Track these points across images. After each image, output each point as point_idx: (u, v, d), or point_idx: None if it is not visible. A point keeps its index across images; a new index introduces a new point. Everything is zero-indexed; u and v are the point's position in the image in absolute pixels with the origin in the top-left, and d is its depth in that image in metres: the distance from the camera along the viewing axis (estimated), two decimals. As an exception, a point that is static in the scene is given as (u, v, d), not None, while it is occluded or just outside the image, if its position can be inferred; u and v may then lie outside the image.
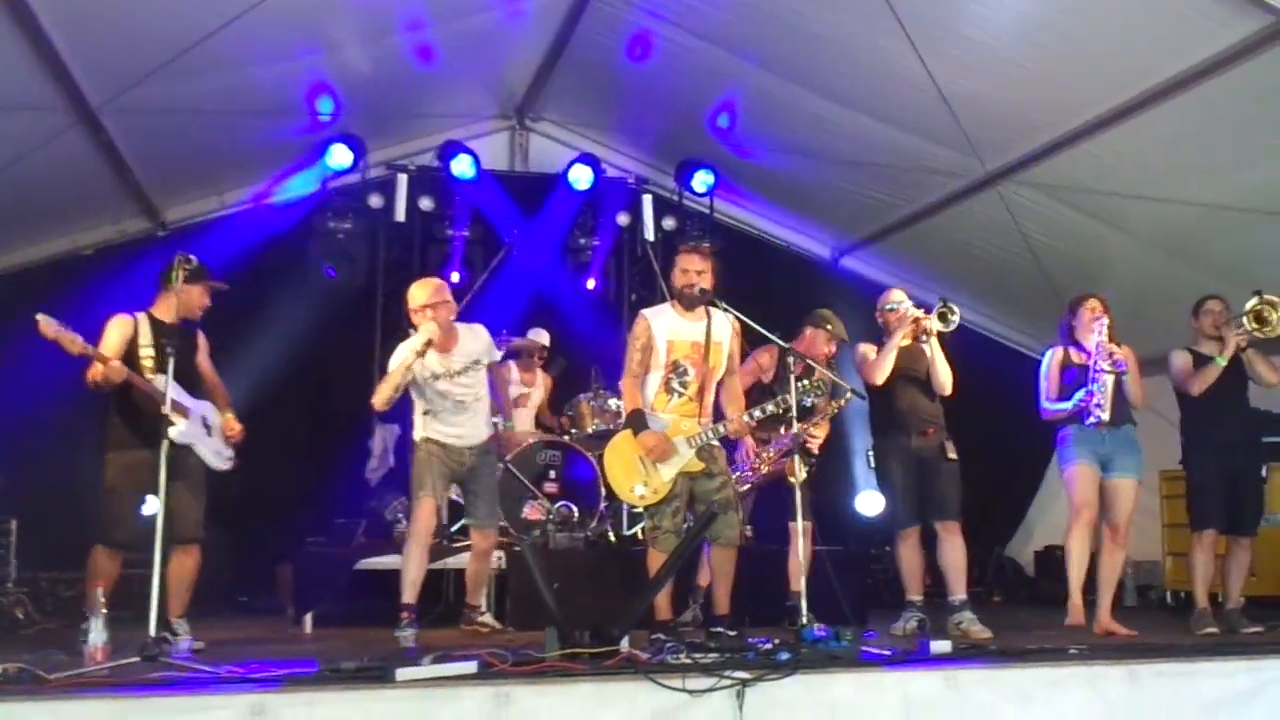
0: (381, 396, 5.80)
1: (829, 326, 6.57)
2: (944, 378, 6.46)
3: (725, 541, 5.58)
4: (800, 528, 5.53)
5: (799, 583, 5.96)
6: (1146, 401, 6.50)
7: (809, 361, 5.88)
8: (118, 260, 8.42)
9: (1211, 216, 7.14)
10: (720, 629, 5.46)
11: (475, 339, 6.06)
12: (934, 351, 6.46)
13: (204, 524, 5.62)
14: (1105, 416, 6.17)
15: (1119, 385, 6.25)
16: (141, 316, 5.61)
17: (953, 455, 6.40)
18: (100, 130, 7.05)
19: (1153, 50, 6.22)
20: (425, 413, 5.94)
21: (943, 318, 6.40)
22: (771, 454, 6.42)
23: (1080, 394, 6.23)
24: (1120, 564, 6.46)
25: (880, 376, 6.38)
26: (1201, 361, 6.35)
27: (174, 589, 5.50)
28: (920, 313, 6.48)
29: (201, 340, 5.88)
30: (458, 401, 5.92)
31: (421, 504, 5.80)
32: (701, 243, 5.84)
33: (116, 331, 5.51)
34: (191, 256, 5.72)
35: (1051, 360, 6.52)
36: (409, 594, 5.73)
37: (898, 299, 6.60)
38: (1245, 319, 6.15)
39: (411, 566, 5.77)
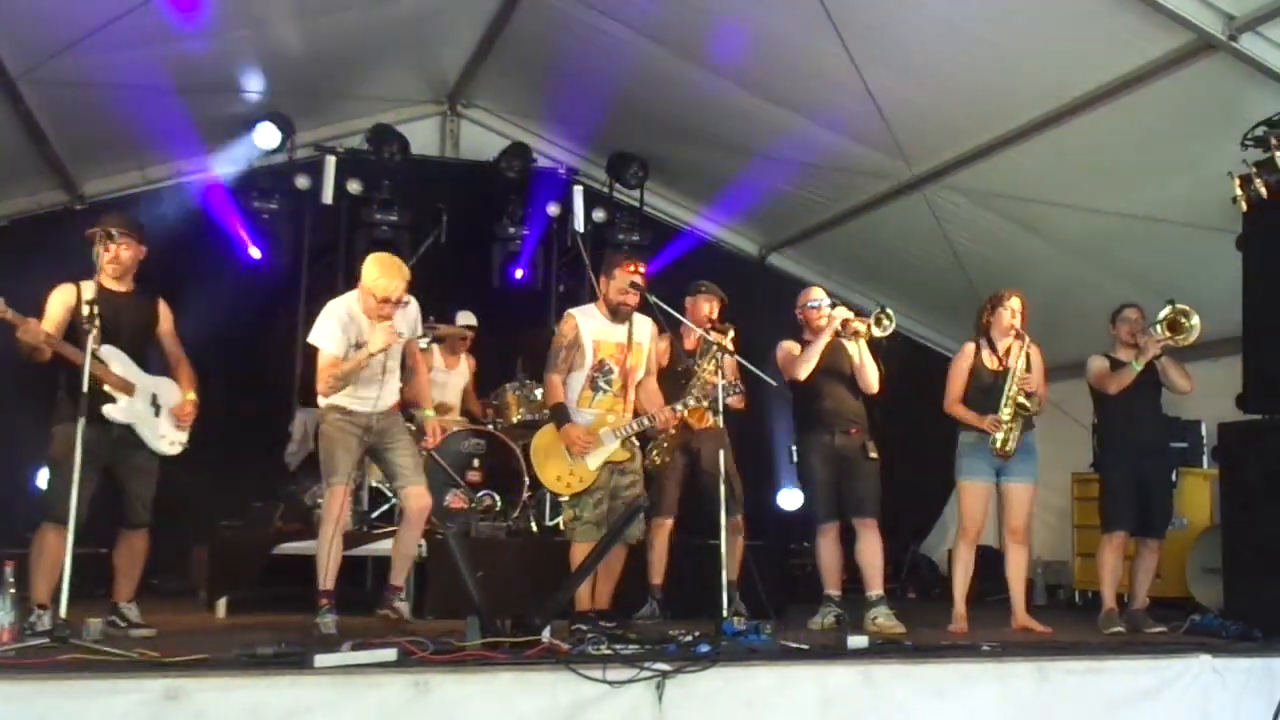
0: (328, 387, 5.52)
1: (703, 288, 6.66)
2: (871, 377, 6.56)
3: (625, 539, 5.66)
4: (723, 520, 5.56)
5: (730, 574, 6.10)
6: (1047, 405, 6.67)
7: (707, 338, 6.10)
8: (33, 232, 8.23)
9: (1128, 226, 7.32)
10: (585, 625, 5.36)
11: (403, 314, 5.79)
12: (862, 352, 6.55)
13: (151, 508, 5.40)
14: (1011, 448, 6.31)
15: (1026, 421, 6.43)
16: (86, 283, 5.19)
17: (874, 454, 6.50)
18: (18, 100, 6.87)
19: (1076, 63, 6.36)
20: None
21: (878, 322, 6.49)
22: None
23: (989, 418, 6.31)
24: (1024, 562, 6.61)
25: (804, 372, 6.45)
26: (1118, 368, 6.50)
27: (122, 574, 5.38)
28: (850, 314, 6.56)
29: (163, 310, 5.52)
30: (381, 366, 5.62)
31: (333, 492, 5.55)
32: (640, 264, 5.85)
33: (57, 300, 5.18)
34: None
35: (961, 359, 6.59)
36: (328, 580, 5.53)
37: (818, 296, 6.70)
38: (1159, 327, 6.31)
39: (327, 552, 5.57)
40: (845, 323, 6.51)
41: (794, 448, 6.68)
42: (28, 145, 7.56)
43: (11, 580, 4.43)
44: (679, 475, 6.49)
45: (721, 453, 5.68)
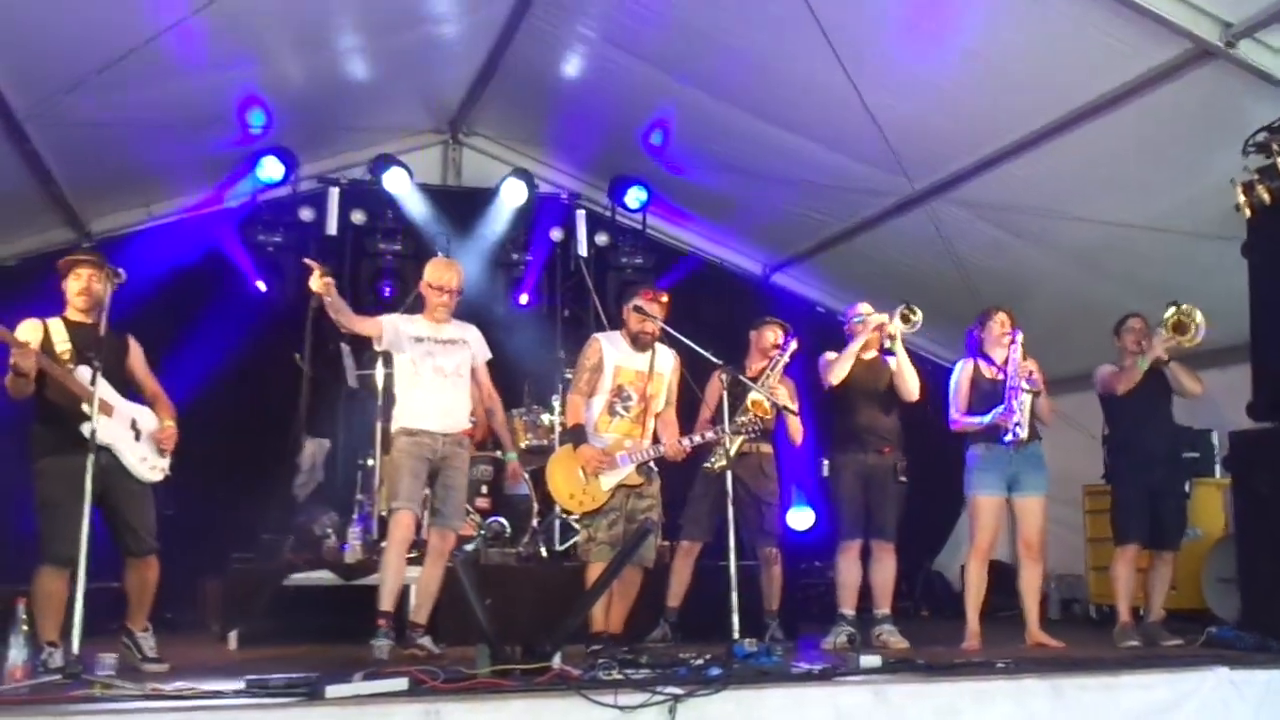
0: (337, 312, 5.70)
1: (768, 320, 6.92)
2: (911, 384, 6.63)
3: (640, 561, 5.74)
4: (732, 544, 5.55)
5: (769, 604, 6.45)
6: (1053, 417, 6.71)
7: (741, 379, 6.11)
8: (41, 271, 8.20)
9: (1131, 236, 7.30)
10: (600, 647, 5.40)
11: (466, 329, 6.08)
12: (900, 358, 6.63)
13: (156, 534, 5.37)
14: (1024, 434, 6.33)
15: (1033, 403, 6.41)
16: (54, 320, 5.26)
17: (903, 478, 6.56)
18: (24, 140, 6.89)
19: (1074, 75, 6.37)
20: (401, 397, 5.84)
21: (905, 319, 6.61)
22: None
23: (997, 410, 6.36)
24: (1039, 577, 6.60)
25: (836, 376, 6.52)
26: (1123, 377, 6.52)
27: (134, 601, 5.36)
28: (884, 318, 6.62)
29: (133, 346, 5.52)
30: (438, 368, 5.83)
31: (396, 518, 5.67)
32: (659, 295, 5.95)
33: (26, 331, 5.15)
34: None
35: (961, 373, 6.67)
36: (386, 602, 5.64)
37: (865, 310, 6.78)
38: (1164, 329, 6.30)
39: (389, 575, 5.69)
40: (880, 327, 6.59)
41: (826, 462, 6.69)
42: (34, 185, 7.59)
43: (24, 618, 4.44)
44: (711, 501, 6.47)
45: (731, 477, 5.67)
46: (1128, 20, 5.76)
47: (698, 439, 6.03)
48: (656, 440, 5.95)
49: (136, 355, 5.55)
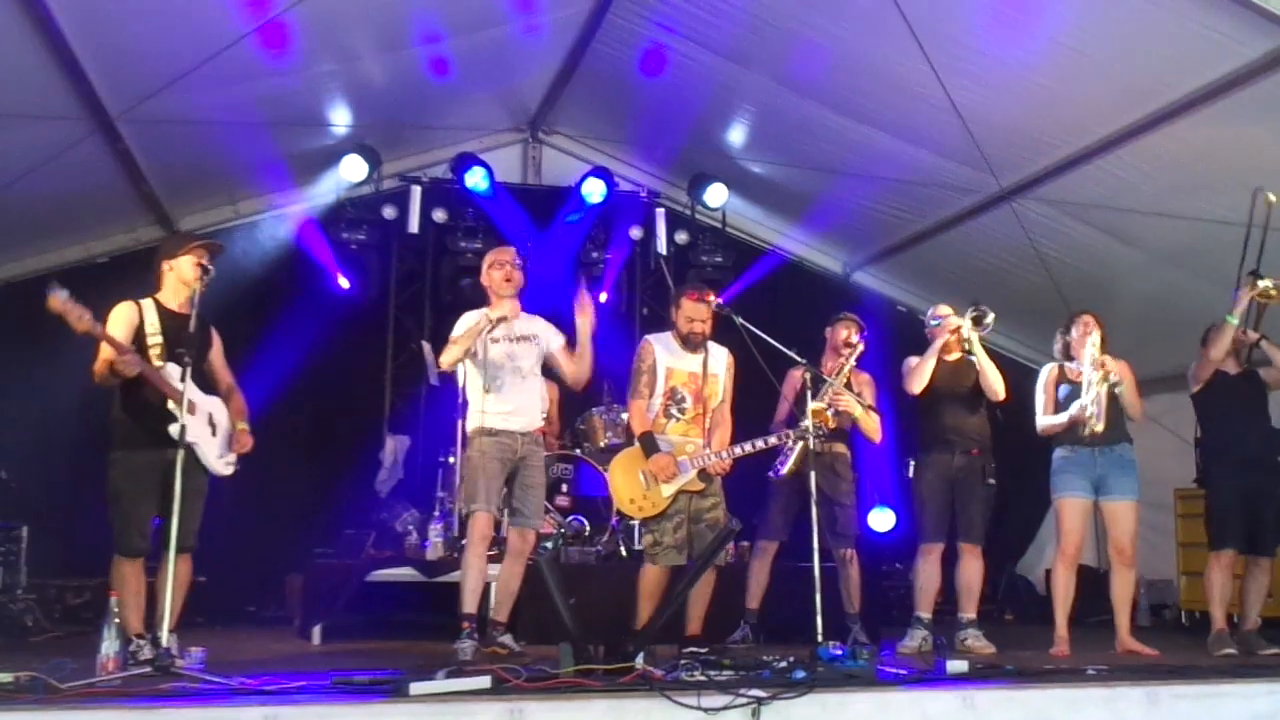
0: (450, 357, 5.76)
1: (844, 316, 6.79)
2: (995, 384, 6.51)
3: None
4: (816, 545, 5.49)
5: (849, 606, 6.33)
6: (1144, 416, 6.55)
7: (822, 376, 6.09)
8: (132, 267, 8.40)
9: (1226, 233, 7.08)
10: (691, 650, 5.33)
11: (535, 321, 6.06)
12: (980, 359, 6.53)
13: (198, 533, 5.28)
14: (1100, 427, 6.17)
15: (1114, 399, 6.27)
16: (147, 302, 5.19)
17: (992, 480, 6.45)
18: (118, 139, 7.05)
19: (1167, 68, 6.20)
20: (484, 391, 5.76)
21: (976, 321, 6.49)
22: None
23: (1074, 407, 6.24)
24: (1132, 583, 6.44)
25: (917, 384, 6.45)
26: (1216, 377, 6.34)
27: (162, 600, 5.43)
28: (961, 321, 6.53)
29: (216, 339, 5.47)
30: (515, 368, 5.83)
31: (476, 519, 5.67)
32: (706, 294, 5.84)
33: (122, 319, 5.08)
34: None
35: (1048, 376, 6.56)
36: (469, 603, 5.63)
37: (944, 312, 6.69)
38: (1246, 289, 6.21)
39: (470, 575, 5.67)
40: (955, 330, 6.50)
41: (912, 463, 6.61)
42: (126, 183, 7.76)
43: (115, 611, 4.52)
44: (785, 500, 6.43)
45: (813, 477, 5.60)
46: (1225, 10, 5.58)
47: (738, 451, 5.80)
48: (707, 443, 5.84)
49: (218, 349, 5.50)
